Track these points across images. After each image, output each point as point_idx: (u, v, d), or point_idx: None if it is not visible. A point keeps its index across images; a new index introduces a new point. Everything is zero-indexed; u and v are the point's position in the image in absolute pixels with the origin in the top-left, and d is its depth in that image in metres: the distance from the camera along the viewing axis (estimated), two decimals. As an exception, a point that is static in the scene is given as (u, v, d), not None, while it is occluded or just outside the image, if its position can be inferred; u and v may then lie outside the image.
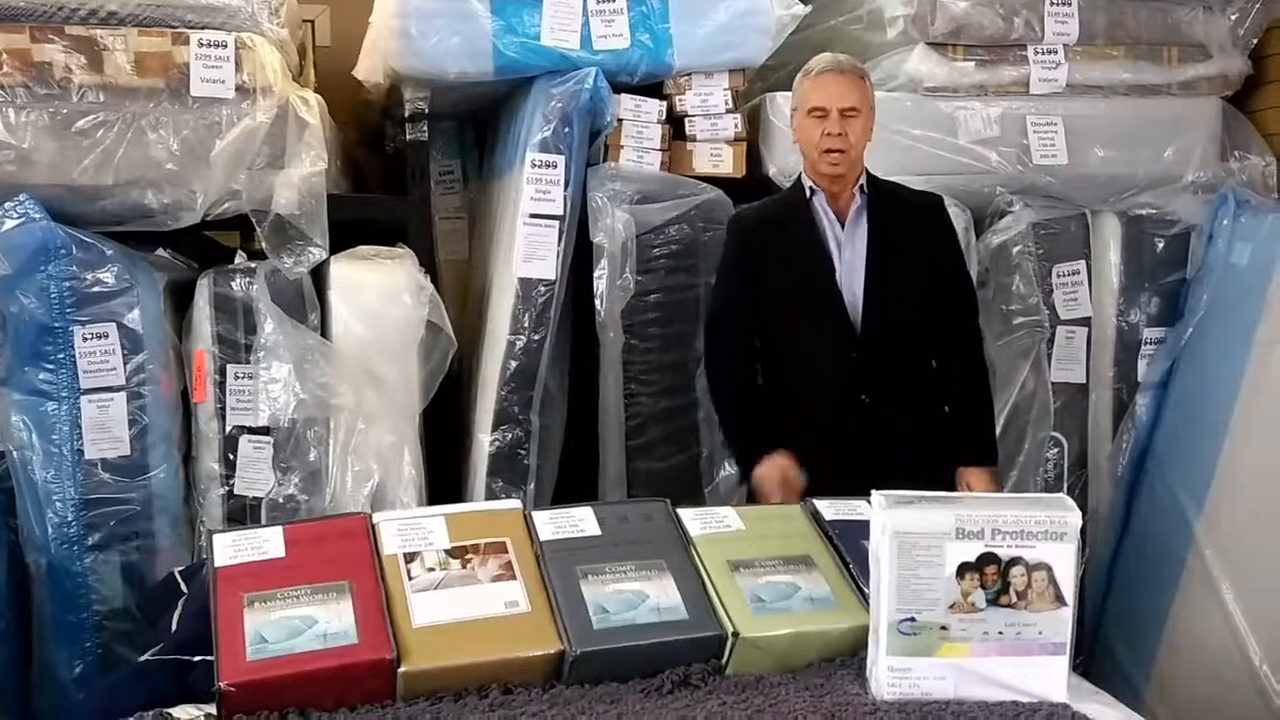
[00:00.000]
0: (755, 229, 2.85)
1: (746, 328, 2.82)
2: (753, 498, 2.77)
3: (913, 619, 1.81)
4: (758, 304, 2.79)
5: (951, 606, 1.81)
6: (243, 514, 2.82)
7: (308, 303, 2.87)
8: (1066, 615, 1.84)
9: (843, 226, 2.75)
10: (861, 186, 2.76)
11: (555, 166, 2.99)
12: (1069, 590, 1.83)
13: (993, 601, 1.82)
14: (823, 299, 2.73)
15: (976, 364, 2.88)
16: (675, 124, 3.23)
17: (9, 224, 2.65)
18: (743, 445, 2.84)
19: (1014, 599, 1.82)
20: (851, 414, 2.71)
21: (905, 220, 2.78)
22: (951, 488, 2.73)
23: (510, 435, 3.01)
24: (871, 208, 2.76)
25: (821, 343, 2.75)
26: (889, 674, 1.82)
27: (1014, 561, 1.81)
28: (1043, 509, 1.84)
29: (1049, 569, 1.82)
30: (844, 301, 2.73)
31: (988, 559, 1.81)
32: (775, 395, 2.82)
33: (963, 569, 1.81)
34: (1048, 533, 1.82)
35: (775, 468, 2.68)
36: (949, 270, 2.84)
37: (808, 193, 2.78)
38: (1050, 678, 1.84)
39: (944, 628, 1.81)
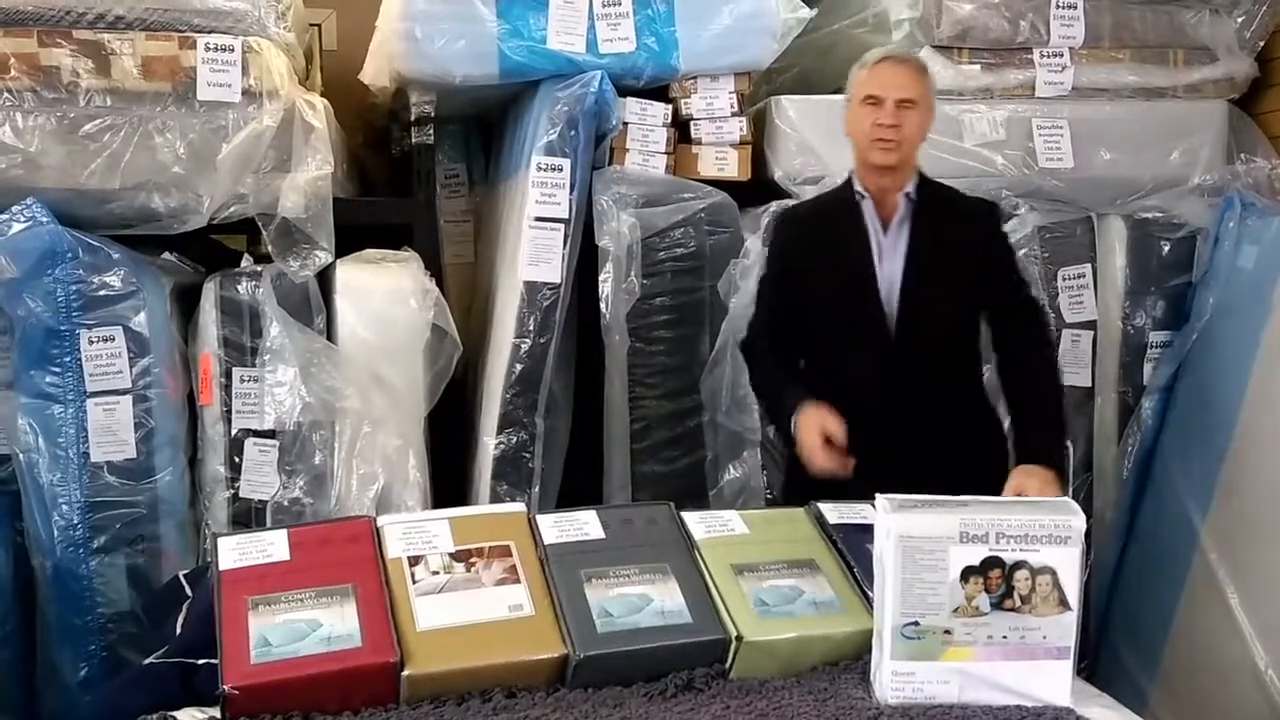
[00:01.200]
0: (797, 228, 2.76)
1: (793, 334, 2.68)
2: (798, 472, 2.57)
3: (916, 623, 1.81)
4: (799, 309, 2.68)
5: (955, 610, 1.81)
6: (248, 517, 2.83)
7: (313, 306, 2.87)
8: (1071, 619, 1.84)
9: (885, 233, 2.62)
10: (908, 193, 2.62)
11: (560, 170, 2.99)
12: (1073, 594, 1.83)
13: (997, 605, 1.82)
14: (860, 311, 2.61)
15: (1040, 368, 2.67)
16: (681, 127, 3.23)
17: (16, 227, 2.66)
18: (779, 401, 2.65)
19: (1018, 603, 1.82)
20: (884, 430, 2.53)
21: (951, 229, 2.62)
22: None
23: (515, 438, 3.01)
24: (916, 215, 2.61)
25: (855, 357, 2.62)
26: (893, 678, 1.82)
27: (1018, 565, 1.82)
28: (1047, 513, 1.84)
29: (1053, 573, 1.82)
30: (883, 315, 2.59)
31: (992, 563, 1.81)
32: None
33: (967, 573, 1.81)
34: (1052, 536, 1.82)
35: (812, 421, 2.47)
36: (1000, 278, 2.67)
37: (856, 197, 2.64)
38: (1054, 681, 1.84)
39: (948, 632, 1.81)
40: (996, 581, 1.82)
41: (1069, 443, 2.48)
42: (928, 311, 2.59)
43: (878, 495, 1.88)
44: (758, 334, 2.79)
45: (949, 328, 2.63)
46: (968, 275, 2.62)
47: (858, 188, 2.66)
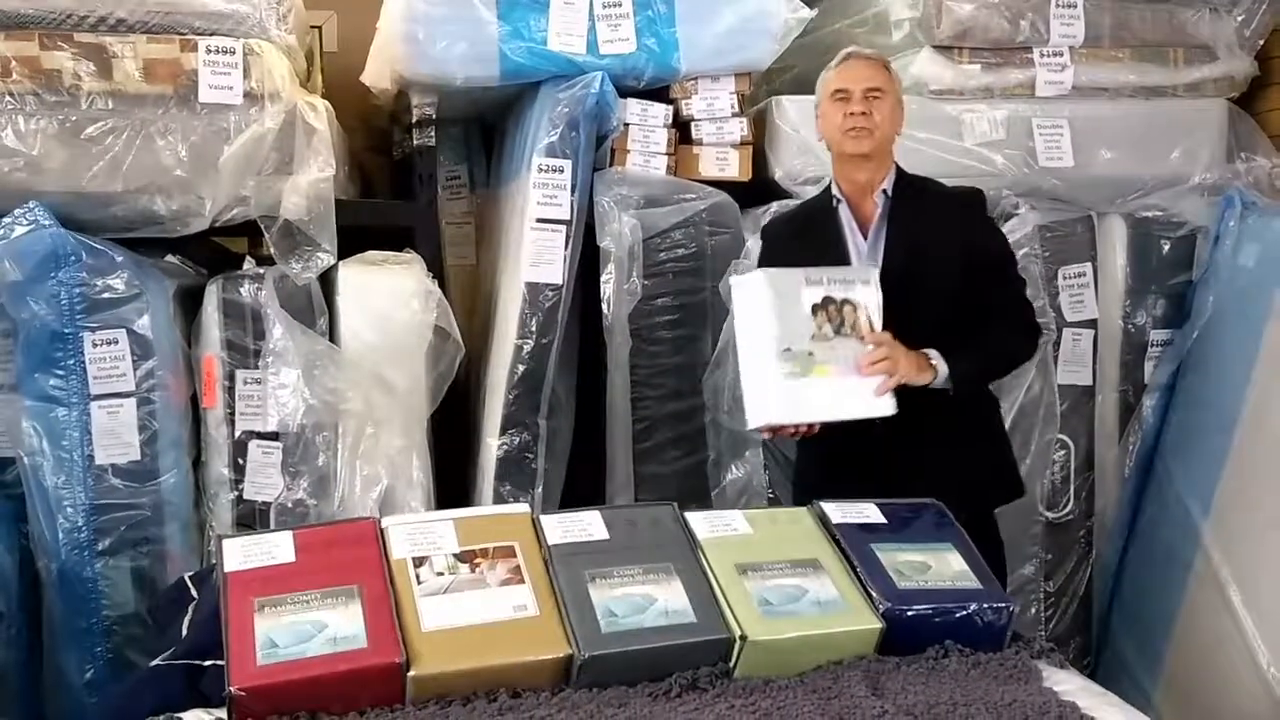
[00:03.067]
0: (779, 239, 2.77)
1: None
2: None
3: (790, 349, 2.36)
4: None
5: (813, 337, 2.37)
6: (252, 519, 2.83)
7: (316, 308, 2.87)
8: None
9: (865, 237, 2.61)
10: (886, 190, 2.61)
11: (562, 171, 3.00)
12: (878, 322, 2.42)
13: (838, 333, 2.39)
14: None
15: (1007, 331, 2.62)
16: (681, 128, 3.24)
17: (19, 231, 2.66)
18: None
19: (849, 330, 2.39)
20: (866, 436, 2.48)
21: (930, 224, 2.58)
22: (977, 508, 2.54)
23: (518, 439, 3.02)
24: (894, 214, 2.60)
25: None
26: (782, 392, 2.36)
27: (844, 302, 2.40)
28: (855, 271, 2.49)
29: (862, 306, 2.41)
30: None
31: (828, 300, 2.39)
32: None
33: (815, 308, 2.38)
34: (860, 280, 2.43)
35: None
36: (984, 269, 2.59)
37: (833, 202, 2.64)
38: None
39: (811, 354, 2.37)
40: (834, 313, 2.39)
41: (980, 377, 2.60)
42: (909, 314, 2.50)
43: (759, 270, 2.47)
44: None
45: (934, 329, 2.52)
46: (952, 270, 2.55)
47: (834, 192, 2.66)
